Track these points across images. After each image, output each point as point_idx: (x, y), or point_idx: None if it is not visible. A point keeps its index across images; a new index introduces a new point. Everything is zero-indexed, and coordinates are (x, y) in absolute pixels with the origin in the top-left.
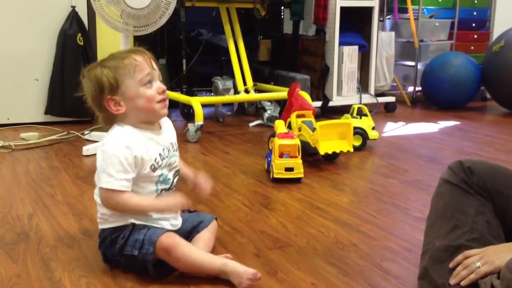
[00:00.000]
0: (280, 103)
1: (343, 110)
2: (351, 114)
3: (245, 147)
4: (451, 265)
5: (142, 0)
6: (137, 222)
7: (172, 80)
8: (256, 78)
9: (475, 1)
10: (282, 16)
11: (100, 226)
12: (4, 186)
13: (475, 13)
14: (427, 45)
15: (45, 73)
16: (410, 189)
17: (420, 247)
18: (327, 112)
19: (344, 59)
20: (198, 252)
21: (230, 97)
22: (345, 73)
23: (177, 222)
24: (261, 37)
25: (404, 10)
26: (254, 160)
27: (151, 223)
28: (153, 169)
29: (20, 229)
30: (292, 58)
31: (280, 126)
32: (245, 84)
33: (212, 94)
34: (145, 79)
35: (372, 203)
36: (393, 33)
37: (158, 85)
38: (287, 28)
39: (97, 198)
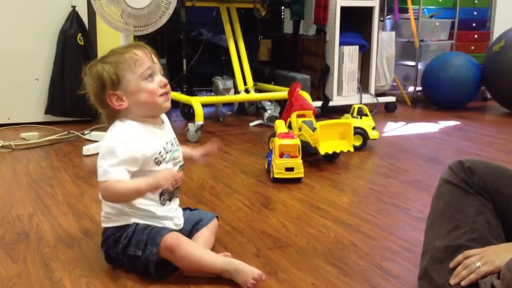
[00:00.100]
0: (281, 103)
1: (344, 110)
2: (352, 114)
3: (246, 147)
4: (451, 265)
5: (143, 0)
6: (140, 221)
7: (173, 80)
8: (257, 78)
9: (476, 1)
10: (283, 16)
11: (103, 225)
12: (4, 186)
13: (475, 13)
14: (427, 45)
15: (46, 73)
16: (410, 189)
17: (420, 247)
18: (328, 112)
19: (344, 59)
20: (202, 251)
21: (230, 97)
22: (346, 73)
23: (180, 222)
24: (261, 37)
25: (404, 10)
26: (254, 160)
27: (154, 223)
28: (157, 162)
29: (20, 229)
30: (293, 58)
31: (280, 126)
32: (245, 84)
33: (213, 94)
34: (146, 73)
35: (372, 203)
36: (393, 33)
37: (159, 78)
38: (288, 28)
39: (101, 197)
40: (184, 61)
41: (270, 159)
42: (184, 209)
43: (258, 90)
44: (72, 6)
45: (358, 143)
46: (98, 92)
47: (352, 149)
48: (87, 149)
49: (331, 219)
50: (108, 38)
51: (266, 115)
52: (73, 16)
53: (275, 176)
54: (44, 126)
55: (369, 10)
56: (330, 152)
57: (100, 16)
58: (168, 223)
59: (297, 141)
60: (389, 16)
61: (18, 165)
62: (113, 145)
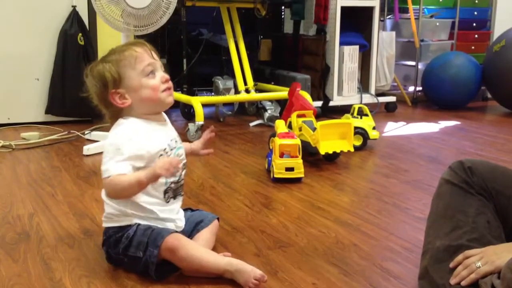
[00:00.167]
0: (281, 103)
1: (344, 110)
2: (352, 114)
3: (246, 147)
4: (451, 265)
5: (143, 0)
6: (142, 222)
7: (173, 79)
8: (257, 78)
9: (476, 1)
10: (283, 16)
11: (105, 225)
12: (4, 186)
13: (475, 13)
14: (427, 45)
15: (46, 72)
16: (410, 189)
17: (421, 247)
18: (328, 112)
19: (344, 59)
20: (203, 251)
21: (230, 97)
22: (346, 73)
23: (182, 223)
24: (261, 37)
25: (404, 10)
26: (254, 160)
27: (156, 224)
28: None
29: (21, 229)
30: (293, 58)
31: (280, 126)
32: (245, 84)
33: (213, 93)
34: (147, 70)
35: (373, 203)
36: (393, 33)
37: (161, 74)
38: (288, 28)
39: (104, 197)
40: (185, 61)
41: (270, 159)
42: (185, 210)
43: (258, 90)
44: (72, 6)
45: (358, 143)
46: (101, 92)
47: (352, 149)
48: (88, 149)
49: (331, 219)
50: (109, 38)
51: (267, 115)
52: (74, 16)
53: (275, 176)
54: (45, 126)
55: (369, 10)
56: (331, 152)
57: (100, 16)
58: (170, 224)
59: (297, 141)
60: (389, 16)
61: (19, 165)
62: (118, 142)
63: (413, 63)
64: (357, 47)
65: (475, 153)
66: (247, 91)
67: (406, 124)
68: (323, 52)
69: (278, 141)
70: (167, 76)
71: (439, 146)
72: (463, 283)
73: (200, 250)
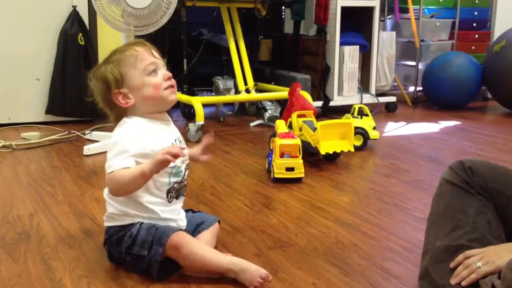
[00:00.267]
0: (281, 103)
1: (344, 110)
2: (352, 114)
3: (246, 147)
4: (451, 265)
5: (143, 0)
6: (145, 221)
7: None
8: (257, 78)
9: (476, 1)
10: (283, 16)
11: (106, 224)
12: (5, 186)
13: (476, 13)
14: (428, 45)
15: (46, 73)
16: (411, 189)
17: (421, 247)
18: (328, 112)
19: (345, 59)
20: (207, 249)
21: (231, 97)
22: (346, 73)
23: (183, 224)
24: (262, 37)
25: (405, 10)
26: (255, 160)
27: (159, 223)
28: None
29: (21, 229)
30: (293, 58)
31: (281, 126)
32: (246, 84)
33: (213, 94)
34: (149, 68)
35: (373, 203)
36: (394, 33)
37: (163, 72)
38: (288, 28)
39: (106, 197)
40: (185, 61)
41: (270, 159)
42: (186, 211)
43: (258, 90)
44: (72, 6)
45: (358, 143)
46: (104, 93)
47: (352, 149)
48: (88, 149)
49: (331, 219)
50: (109, 38)
51: (267, 115)
52: (74, 16)
53: (275, 176)
54: (45, 126)
55: (369, 10)
56: (331, 152)
57: (100, 16)
58: (172, 224)
59: (297, 141)
60: (389, 16)
61: (19, 165)
62: (122, 140)
63: (413, 63)
64: (357, 47)
65: (475, 153)
66: (247, 91)
67: (406, 124)
68: (324, 52)
69: (278, 141)
70: (169, 74)
71: (439, 146)
72: (463, 283)
73: (203, 248)
